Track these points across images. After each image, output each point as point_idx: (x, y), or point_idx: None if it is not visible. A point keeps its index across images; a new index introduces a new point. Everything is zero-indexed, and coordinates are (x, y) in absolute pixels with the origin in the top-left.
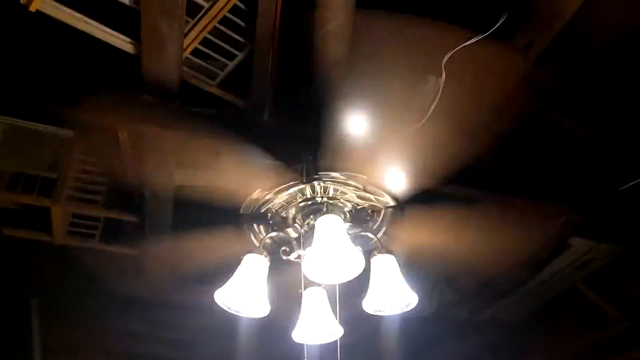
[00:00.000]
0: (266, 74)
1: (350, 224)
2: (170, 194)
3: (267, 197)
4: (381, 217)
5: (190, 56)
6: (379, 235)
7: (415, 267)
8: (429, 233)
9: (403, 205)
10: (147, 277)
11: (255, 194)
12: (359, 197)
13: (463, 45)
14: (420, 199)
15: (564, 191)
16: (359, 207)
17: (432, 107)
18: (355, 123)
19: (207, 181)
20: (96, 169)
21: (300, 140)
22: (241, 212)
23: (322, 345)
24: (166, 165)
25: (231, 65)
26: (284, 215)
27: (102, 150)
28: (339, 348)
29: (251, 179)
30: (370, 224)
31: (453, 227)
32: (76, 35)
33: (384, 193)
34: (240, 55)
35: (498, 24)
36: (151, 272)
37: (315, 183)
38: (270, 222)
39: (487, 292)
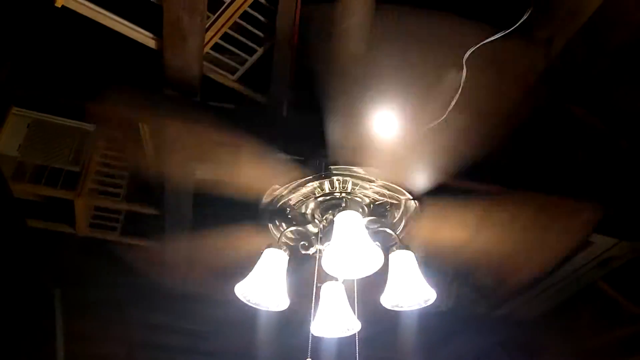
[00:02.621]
0: (286, 69)
1: (369, 218)
2: (191, 188)
3: (286, 192)
4: (400, 212)
5: (210, 51)
6: (397, 231)
7: (433, 263)
8: (448, 229)
9: (421, 200)
10: (167, 270)
11: (275, 189)
12: (377, 192)
13: (485, 41)
14: (439, 194)
15: (585, 188)
16: (377, 203)
17: (453, 102)
18: (374, 118)
19: (227, 176)
20: (118, 162)
21: (319, 135)
22: (261, 207)
23: (340, 339)
24: (187, 159)
25: (251, 60)
26: (303, 210)
27: (124, 144)
28: (357, 342)
29: (270, 174)
30: (389, 219)
31: (472, 223)
32: (100, 31)
33: (402, 188)
34: (260, 51)
35: (522, 20)
36: (172, 265)
37: (334, 178)
38: (290, 216)
39: (504, 289)
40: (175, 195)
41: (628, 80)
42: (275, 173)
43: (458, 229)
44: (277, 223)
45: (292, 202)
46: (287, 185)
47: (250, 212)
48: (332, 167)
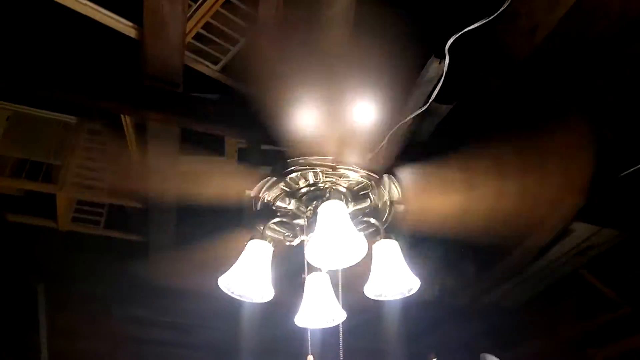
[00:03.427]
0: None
1: (354, 208)
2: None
3: (261, 193)
4: (383, 194)
5: (192, 41)
6: (384, 216)
7: (418, 252)
8: (435, 196)
9: (396, 174)
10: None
11: (251, 192)
12: (356, 180)
13: (468, 28)
14: (414, 162)
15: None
16: (356, 188)
17: (436, 91)
18: (338, 106)
19: (197, 191)
20: (101, 155)
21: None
22: (242, 213)
23: (324, 329)
24: (169, 152)
25: (234, 50)
26: (286, 203)
27: (106, 136)
28: (341, 332)
29: (236, 180)
30: (374, 205)
31: (458, 183)
32: (79, 20)
33: (368, 170)
34: (242, 40)
35: (503, 7)
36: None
37: (315, 169)
38: (274, 210)
39: (488, 278)
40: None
41: (610, 71)
42: (239, 178)
43: (445, 193)
44: (264, 220)
45: (271, 199)
46: (266, 181)
47: (235, 216)
48: (289, 160)
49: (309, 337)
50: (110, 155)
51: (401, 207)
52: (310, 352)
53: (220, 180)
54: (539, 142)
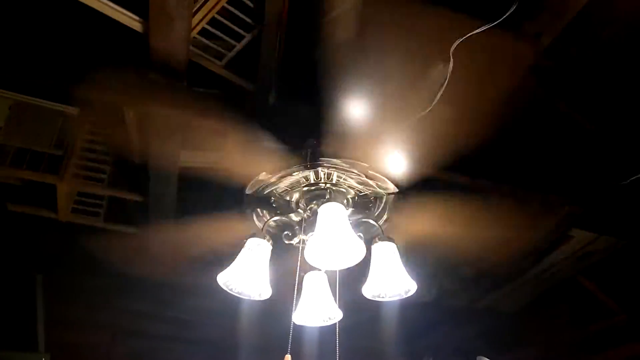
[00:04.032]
0: (273, 56)
1: (353, 209)
2: (175, 174)
3: (272, 180)
4: (383, 203)
5: (197, 36)
6: (380, 222)
7: (416, 255)
8: (430, 220)
9: (404, 191)
10: (151, 257)
11: (260, 176)
12: (361, 183)
13: (472, 33)
14: (422, 186)
15: (566, 183)
16: (361, 194)
17: (439, 94)
18: (359, 109)
19: (212, 162)
20: (101, 147)
21: (305, 124)
22: (246, 194)
23: (321, 328)
24: (172, 144)
25: (238, 46)
26: (288, 199)
27: (109, 129)
28: (337, 331)
29: (256, 161)
30: (372, 210)
31: (454, 216)
32: (85, 12)
33: (385, 179)
34: (247, 37)
35: (508, 13)
36: (155, 252)
37: (319, 169)
38: (274, 205)
39: (485, 281)
40: (159, 183)
41: (617, 78)
42: (261, 160)
43: (441, 221)
44: (261, 212)
45: (276, 191)
46: (272, 174)
47: (234, 200)
48: (317, 157)
49: (291, 333)
50: (111, 148)
51: (400, 217)
52: (289, 352)
53: (238, 155)
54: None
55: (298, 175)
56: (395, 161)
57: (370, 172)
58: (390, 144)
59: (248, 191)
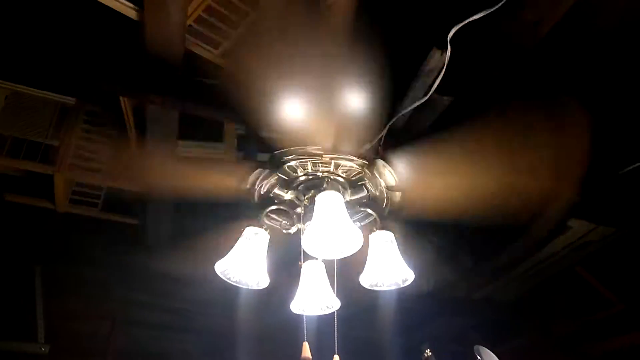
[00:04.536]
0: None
1: (352, 198)
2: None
3: (263, 177)
4: (379, 183)
5: (193, 24)
6: (382, 205)
7: (415, 244)
8: (432, 179)
9: (390, 159)
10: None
11: (250, 181)
12: (352, 168)
13: (469, 19)
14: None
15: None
16: (354, 177)
17: (436, 83)
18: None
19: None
20: (99, 137)
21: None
22: (239, 205)
23: (320, 318)
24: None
25: (235, 34)
26: (283, 192)
27: (105, 119)
28: (335, 320)
29: (226, 174)
30: (372, 193)
31: (452, 165)
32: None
33: (344, 157)
34: (243, 26)
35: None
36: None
37: (313, 158)
38: (271, 197)
39: (483, 272)
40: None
41: (613, 67)
42: (236, 170)
43: (444, 174)
44: (261, 209)
45: (268, 188)
46: (252, 178)
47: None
48: (284, 150)
49: (305, 325)
50: (108, 138)
51: (398, 194)
52: (305, 339)
53: (217, 175)
54: (536, 126)
55: (294, 165)
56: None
57: (336, 154)
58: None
59: (239, 202)
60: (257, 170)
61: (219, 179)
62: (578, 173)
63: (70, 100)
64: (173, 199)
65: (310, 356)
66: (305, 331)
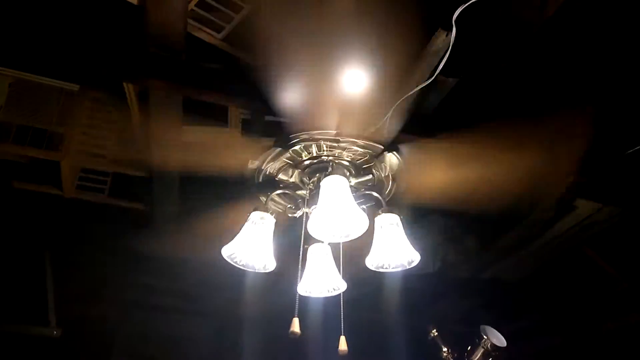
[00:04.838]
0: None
1: (357, 180)
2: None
3: (270, 159)
4: (385, 168)
5: (195, 8)
6: (386, 189)
7: (419, 226)
8: (435, 170)
9: (400, 150)
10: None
11: (252, 163)
12: (358, 152)
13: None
14: (418, 140)
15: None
16: (360, 161)
17: (442, 63)
18: (344, 78)
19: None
20: (104, 123)
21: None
22: (245, 183)
23: (326, 300)
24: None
25: (237, 18)
26: (289, 175)
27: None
28: (342, 302)
29: (240, 149)
30: (376, 177)
31: (458, 161)
32: None
33: (374, 143)
34: (246, 8)
35: None
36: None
37: (319, 141)
38: (277, 182)
39: (489, 252)
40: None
41: (619, 47)
42: (242, 149)
43: (449, 167)
44: (266, 192)
45: (274, 171)
46: (260, 159)
47: (238, 185)
48: (292, 133)
49: (297, 299)
50: (113, 124)
51: (403, 182)
52: (296, 315)
53: (223, 152)
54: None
55: (287, 153)
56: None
57: (351, 138)
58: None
59: (246, 179)
60: (264, 152)
61: (226, 156)
62: (579, 151)
63: (73, 86)
64: (179, 176)
65: (299, 330)
66: (296, 306)
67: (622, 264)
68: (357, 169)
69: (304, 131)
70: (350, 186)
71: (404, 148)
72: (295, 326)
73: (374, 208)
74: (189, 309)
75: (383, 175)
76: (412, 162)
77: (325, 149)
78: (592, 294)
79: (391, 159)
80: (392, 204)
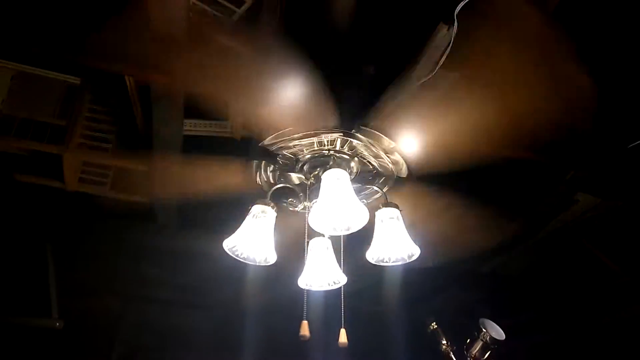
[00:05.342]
0: (274, 21)
1: (357, 172)
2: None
3: (294, 139)
4: (383, 182)
5: (197, 2)
6: (384, 189)
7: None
8: (422, 210)
9: (412, 178)
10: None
11: (286, 131)
12: (376, 157)
13: None
14: (427, 179)
15: (572, 147)
16: (368, 169)
17: (444, 57)
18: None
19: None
20: (106, 117)
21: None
22: (261, 144)
23: (327, 293)
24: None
25: (239, 12)
26: (295, 163)
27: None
28: (342, 296)
29: (296, 115)
30: (373, 162)
31: (441, 213)
32: None
33: (402, 161)
34: (248, 2)
35: None
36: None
37: (336, 135)
38: (279, 160)
39: (489, 246)
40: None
41: (625, 41)
42: (235, 170)
43: (431, 214)
44: (266, 174)
45: (271, 178)
46: (304, 132)
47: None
48: (363, 127)
49: (306, 303)
50: (115, 117)
51: (400, 157)
52: (305, 318)
53: (223, 174)
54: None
55: (320, 140)
56: (417, 147)
57: (388, 149)
58: (414, 127)
59: (265, 141)
60: (254, 165)
61: (226, 178)
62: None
63: (75, 79)
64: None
65: (308, 334)
66: (305, 309)
67: (622, 258)
68: (354, 159)
69: (279, 134)
70: (352, 179)
71: (388, 127)
72: (305, 329)
73: (376, 201)
74: (191, 301)
75: (379, 160)
76: (402, 136)
77: (345, 146)
78: (592, 287)
79: (380, 141)
80: (402, 185)
